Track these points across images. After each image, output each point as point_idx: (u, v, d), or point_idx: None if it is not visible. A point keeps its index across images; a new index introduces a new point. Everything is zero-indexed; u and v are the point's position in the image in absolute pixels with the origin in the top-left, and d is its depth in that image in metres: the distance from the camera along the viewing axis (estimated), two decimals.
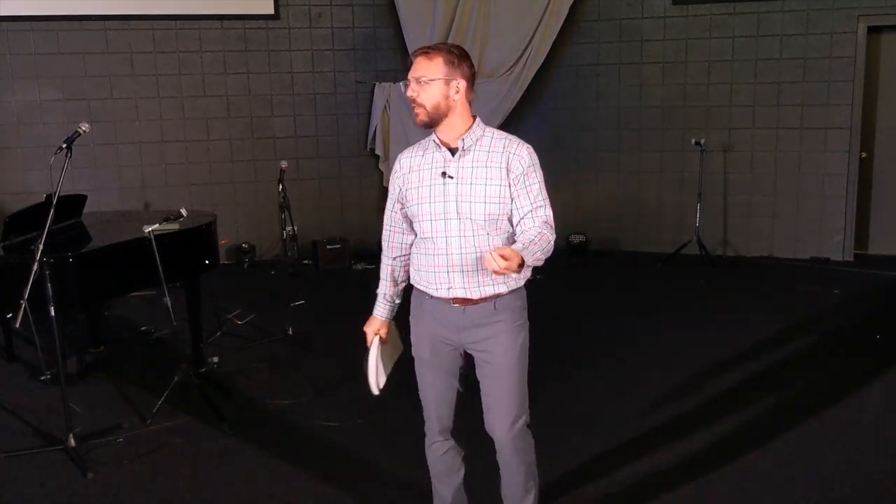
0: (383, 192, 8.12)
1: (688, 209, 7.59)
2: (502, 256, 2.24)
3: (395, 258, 2.78)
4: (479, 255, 2.53)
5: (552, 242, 2.50)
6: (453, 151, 2.55)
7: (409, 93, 2.52)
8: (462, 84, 2.51)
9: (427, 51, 2.51)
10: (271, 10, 7.59)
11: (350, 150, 8.06)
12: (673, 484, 3.45)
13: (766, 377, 4.68)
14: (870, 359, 4.90)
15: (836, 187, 7.32)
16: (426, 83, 2.49)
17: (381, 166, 8.05)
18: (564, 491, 3.39)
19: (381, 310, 2.81)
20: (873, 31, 7.10)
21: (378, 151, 7.99)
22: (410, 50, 7.75)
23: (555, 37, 7.68)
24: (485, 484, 3.01)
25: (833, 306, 6.02)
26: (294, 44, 7.72)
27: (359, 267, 7.53)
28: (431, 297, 2.62)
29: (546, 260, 2.51)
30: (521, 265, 2.30)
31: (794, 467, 3.58)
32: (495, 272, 2.26)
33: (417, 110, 2.52)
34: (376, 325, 2.80)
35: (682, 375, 4.69)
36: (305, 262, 7.70)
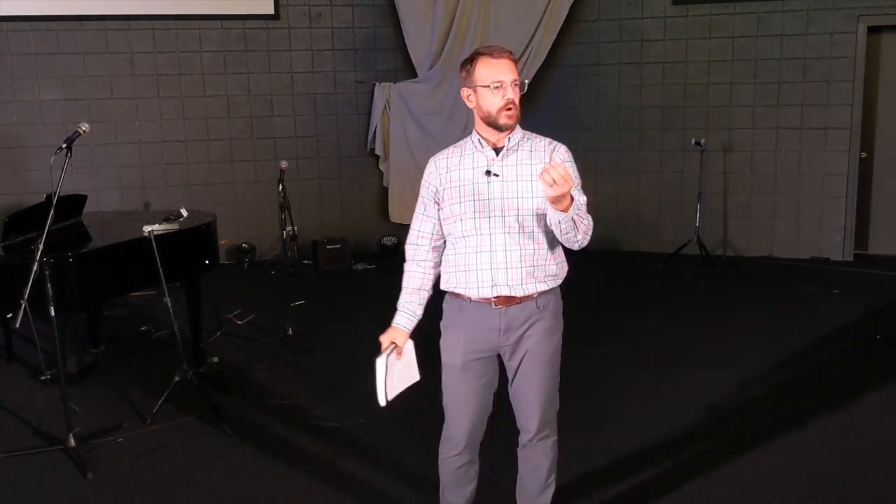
0: (383, 192, 8.12)
1: (688, 209, 7.59)
2: (561, 176, 2.25)
3: (423, 261, 2.69)
4: (523, 250, 2.54)
5: (591, 227, 2.53)
6: (496, 151, 2.57)
7: (510, 96, 2.48)
8: None
9: (507, 53, 2.52)
10: (271, 10, 7.59)
11: (350, 150, 8.06)
12: (673, 484, 3.45)
13: (766, 377, 4.68)
14: (870, 359, 4.90)
15: (836, 187, 7.32)
16: (518, 85, 2.51)
17: (381, 166, 8.05)
18: (564, 491, 3.39)
19: (402, 319, 2.68)
20: (873, 31, 7.10)
21: (378, 151, 7.99)
22: (411, 50, 7.80)
23: (555, 37, 7.68)
24: (487, 489, 3.00)
25: (833, 306, 6.02)
26: (294, 44, 7.72)
27: (359, 267, 7.53)
28: (472, 300, 2.59)
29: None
30: (567, 205, 2.34)
31: (794, 467, 3.58)
32: (543, 179, 2.27)
33: (513, 112, 2.50)
34: (394, 334, 2.66)
35: (681, 375, 4.69)
36: (305, 262, 7.70)
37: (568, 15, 7.64)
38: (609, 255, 7.77)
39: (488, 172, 2.54)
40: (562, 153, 2.60)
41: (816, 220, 7.44)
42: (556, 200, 2.33)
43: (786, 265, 7.30)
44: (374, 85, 7.90)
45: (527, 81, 2.56)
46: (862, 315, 5.82)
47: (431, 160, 2.68)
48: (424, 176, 2.68)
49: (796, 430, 3.94)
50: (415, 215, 2.71)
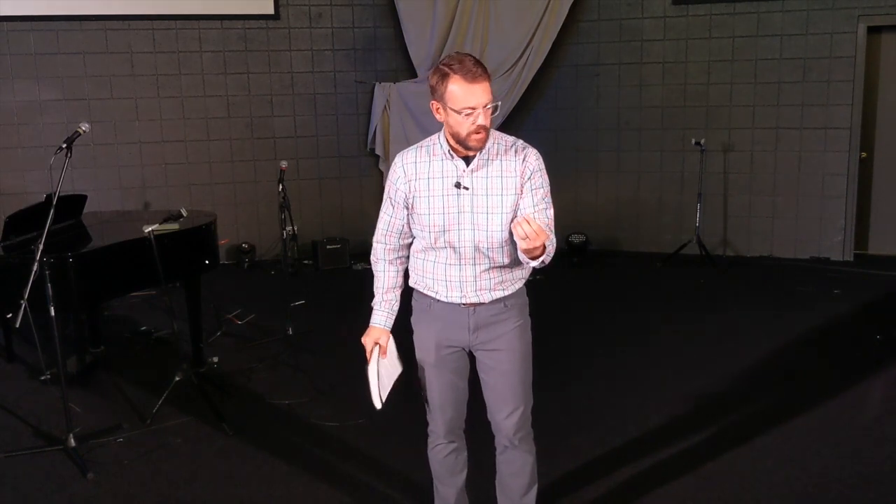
0: (383, 192, 8.11)
1: (688, 209, 7.59)
2: (534, 231, 2.21)
3: (390, 261, 2.69)
4: (492, 265, 2.53)
5: (552, 248, 2.49)
6: (466, 160, 2.50)
7: (482, 122, 2.38)
8: None
9: (483, 73, 2.38)
10: (271, 10, 7.59)
11: (350, 150, 8.06)
12: (672, 484, 3.45)
13: (766, 377, 4.68)
14: (870, 359, 4.90)
15: (836, 187, 7.32)
16: (491, 108, 2.40)
17: (381, 166, 8.05)
18: (564, 491, 3.39)
19: (380, 318, 2.69)
20: (873, 31, 7.10)
21: (378, 151, 7.99)
22: (411, 50, 7.80)
23: (555, 37, 7.68)
24: (485, 483, 3.01)
25: (833, 306, 6.02)
26: (294, 44, 7.72)
27: (359, 267, 7.53)
28: (439, 300, 2.60)
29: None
30: (541, 251, 2.33)
31: (793, 467, 3.59)
32: (515, 231, 2.23)
33: (483, 136, 2.42)
34: (375, 335, 2.67)
35: (681, 375, 4.69)
36: (305, 262, 7.70)
37: (568, 15, 7.64)
38: (609, 255, 7.77)
39: (458, 185, 2.49)
40: (531, 161, 2.52)
41: (816, 220, 7.43)
42: (527, 252, 2.32)
43: (786, 265, 7.30)
44: (374, 85, 7.90)
45: (499, 104, 2.44)
46: (862, 315, 5.82)
47: (398, 161, 2.60)
48: (391, 177, 2.62)
49: (796, 430, 3.94)
50: (381, 213, 2.68)
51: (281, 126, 7.81)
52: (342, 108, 7.95)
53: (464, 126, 2.40)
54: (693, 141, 7.33)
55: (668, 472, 3.56)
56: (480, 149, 2.46)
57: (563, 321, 5.78)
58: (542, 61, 7.75)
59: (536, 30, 7.64)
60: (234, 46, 7.56)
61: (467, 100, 2.37)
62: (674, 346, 5.22)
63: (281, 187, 5.46)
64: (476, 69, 2.38)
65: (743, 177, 7.58)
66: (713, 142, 7.47)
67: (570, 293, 6.63)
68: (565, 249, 7.59)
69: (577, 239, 7.65)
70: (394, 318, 2.71)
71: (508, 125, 7.75)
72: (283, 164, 5.65)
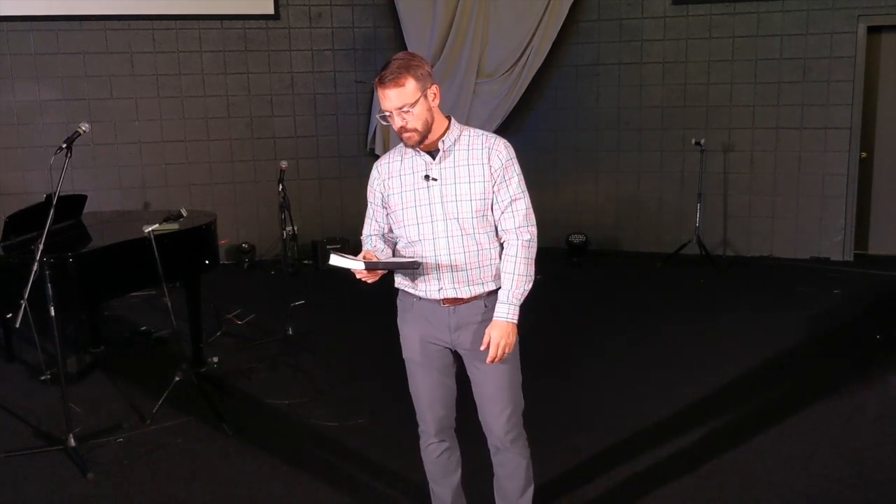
0: None
1: (688, 209, 7.59)
2: (496, 345, 2.52)
3: (377, 238, 2.74)
4: (467, 253, 2.56)
5: (532, 241, 2.59)
6: (432, 154, 2.57)
7: (399, 123, 2.47)
8: (435, 87, 2.53)
9: (393, 78, 2.45)
10: (271, 10, 7.60)
11: (350, 150, 8.07)
12: (672, 484, 3.45)
13: (766, 377, 4.68)
14: (870, 359, 4.90)
15: (836, 187, 7.32)
16: (409, 111, 2.46)
17: None
18: (563, 491, 3.39)
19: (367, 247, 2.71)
20: (873, 31, 7.10)
21: (378, 151, 7.99)
22: (410, 50, 7.79)
23: (555, 37, 7.68)
24: (482, 483, 3.01)
25: (833, 306, 6.02)
26: (294, 44, 7.72)
27: None
28: (420, 298, 2.63)
29: (537, 260, 2.61)
30: (516, 327, 2.55)
31: (793, 467, 3.59)
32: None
33: (408, 135, 2.49)
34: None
35: (681, 375, 4.69)
36: (305, 262, 7.70)
37: (568, 15, 7.64)
38: (609, 255, 7.77)
39: (427, 177, 2.55)
40: (501, 151, 2.56)
41: (816, 220, 7.43)
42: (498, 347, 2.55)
43: (786, 265, 7.30)
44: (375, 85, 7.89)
45: (413, 111, 2.45)
46: (862, 315, 5.82)
47: (375, 165, 2.70)
48: (370, 181, 2.71)
49: (796, 430, 3.94)
50: (366, 218, 2.76)
51: (281, 126, 7.82)
52: (342, 108, 7.96)
53: (392, 126, 2.51)
54: (693, 141, 7.33)
55: (668, 472, 3.56)
56: (415, 145, 2.53)
57: (562, 321, 5.78)
58: (542, 61, 7.75)
59: (536, 30, 7.64)
60: (234, 46, 7.56)
61: (383, 103, 2.49)
62: (674, 346, 5.22)
63: (281, 187, 5.46)
64: (391, 74, 2.46)
65: (743, 177, 7.58)
66: (713, 142, 7.47)
67: (570, 293, 6.63)
68: (565, 249, 7.59)
69: (577, 239, 7.65)
70: (385, 249, 2.70)
71: (508, 125, 7.76)
72: (283, 164, 5.65)
